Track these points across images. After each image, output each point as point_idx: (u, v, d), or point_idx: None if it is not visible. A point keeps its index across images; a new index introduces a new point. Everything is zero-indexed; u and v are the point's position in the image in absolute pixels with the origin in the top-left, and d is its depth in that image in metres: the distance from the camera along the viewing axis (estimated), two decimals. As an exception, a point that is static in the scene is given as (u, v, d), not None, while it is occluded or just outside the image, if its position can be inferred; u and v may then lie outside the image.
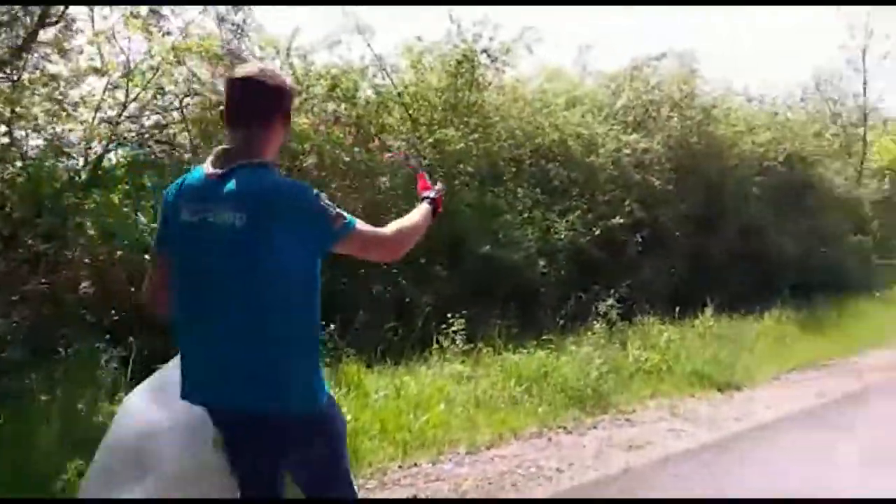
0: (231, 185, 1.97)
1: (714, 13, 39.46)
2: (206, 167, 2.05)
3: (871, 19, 23.91)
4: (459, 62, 8.83)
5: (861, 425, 5.49)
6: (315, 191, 2.04)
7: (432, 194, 2.46)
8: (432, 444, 4.87)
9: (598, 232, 9.51)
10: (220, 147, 2.11)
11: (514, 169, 9.51)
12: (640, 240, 10.25)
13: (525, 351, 6.95)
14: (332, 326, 6.14)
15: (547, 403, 5.83)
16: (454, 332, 6.93)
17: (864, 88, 22.80)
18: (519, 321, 8.05)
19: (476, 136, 8.62)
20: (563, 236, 9.13)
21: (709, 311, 9.27)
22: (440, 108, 9.01)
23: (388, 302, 7.61)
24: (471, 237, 8.35)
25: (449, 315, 7.02)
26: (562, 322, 8.12)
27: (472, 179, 8.63)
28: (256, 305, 1.97)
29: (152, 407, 2.25)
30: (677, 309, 9.07)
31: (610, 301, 8.05)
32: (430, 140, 8.34)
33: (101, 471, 2.26)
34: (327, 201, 2.02)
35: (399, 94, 8.90)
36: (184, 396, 2.12)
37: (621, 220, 9.84)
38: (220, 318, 2.01)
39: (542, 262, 8.72)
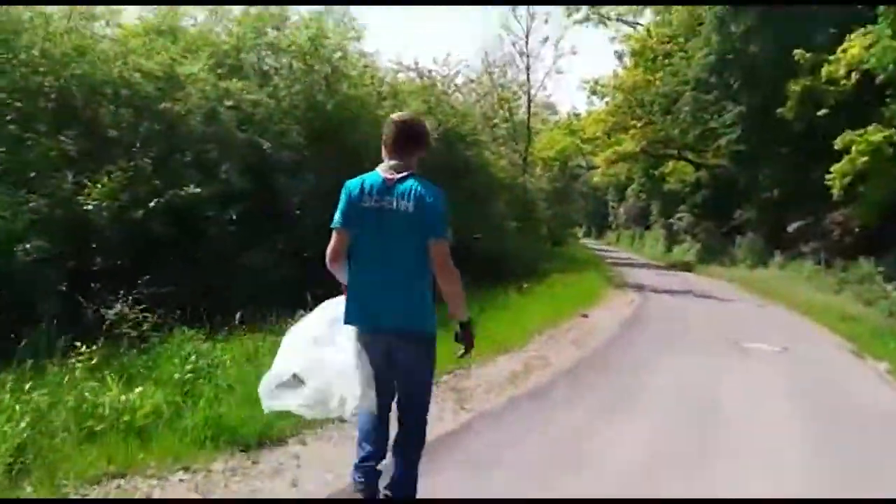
0: (405, 186, 3.08)
1: None
2: (383, 173, 3.14)
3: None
4: None
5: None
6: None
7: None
8: None
9: (153, 204, 6.75)
10: (389, 162, 3.17)
11: (19, 103, 6.36)
12: (232, 218, 7.73)
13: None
14: None
15: None
16: None
17: (528, 73, 23.00)
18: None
19: None
20: (93, 207, 6.25)
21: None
22: None
23: None
24: None
25: None
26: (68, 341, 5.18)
27: None
28: (412, 263, 3.07)
29: (320, 328, 3.23)
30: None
31: (120, 306, 5.30)
32: None
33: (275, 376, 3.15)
34: None
35: None
36: (349, 322, 3.14)
37: (198, 190, 7.19)
38: (386, 269, 3.06)
39: (38, 243, 5.66)
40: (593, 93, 34.40)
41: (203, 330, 6.09)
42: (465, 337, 3.17)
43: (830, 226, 20.70)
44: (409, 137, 3.20)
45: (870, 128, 17.00)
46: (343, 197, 3.17)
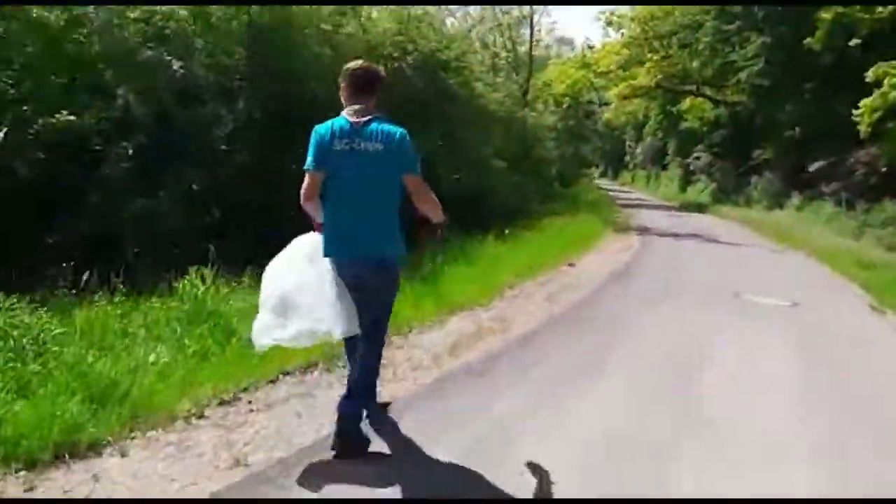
0: (372, 128, 3.36)
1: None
2: (349, 117, 3.38)
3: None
4: None
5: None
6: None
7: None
8: None
9: (3, 135, 5.48)
10: (353, 107, 3.41)
11: None
12: (129, 153, 6.47)
13: None
14: None
15: None
16: None
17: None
18: None
19: None
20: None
21: (204, 276, 5.59)
22: None
23: None
24: None
25: None
26: None
27: None
28: (382, 198, 3.38)
29: (298, 264, 3.49)
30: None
31: None
32: None
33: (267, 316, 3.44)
34: None
35: None
36: (328, 254, 3.43)
37: (72, 118, 5.89)
38: (360, 205, 3.36)
39: None
40: (609, 24, 32.24)
41: (60, 293, 4.92)
42: (440, 227, 3.56)
43: (855, 165, 19.05)
44: (365, 84, 3.50)
45: (905, 58, 15.28)
46: (313, 141, 3.40)
